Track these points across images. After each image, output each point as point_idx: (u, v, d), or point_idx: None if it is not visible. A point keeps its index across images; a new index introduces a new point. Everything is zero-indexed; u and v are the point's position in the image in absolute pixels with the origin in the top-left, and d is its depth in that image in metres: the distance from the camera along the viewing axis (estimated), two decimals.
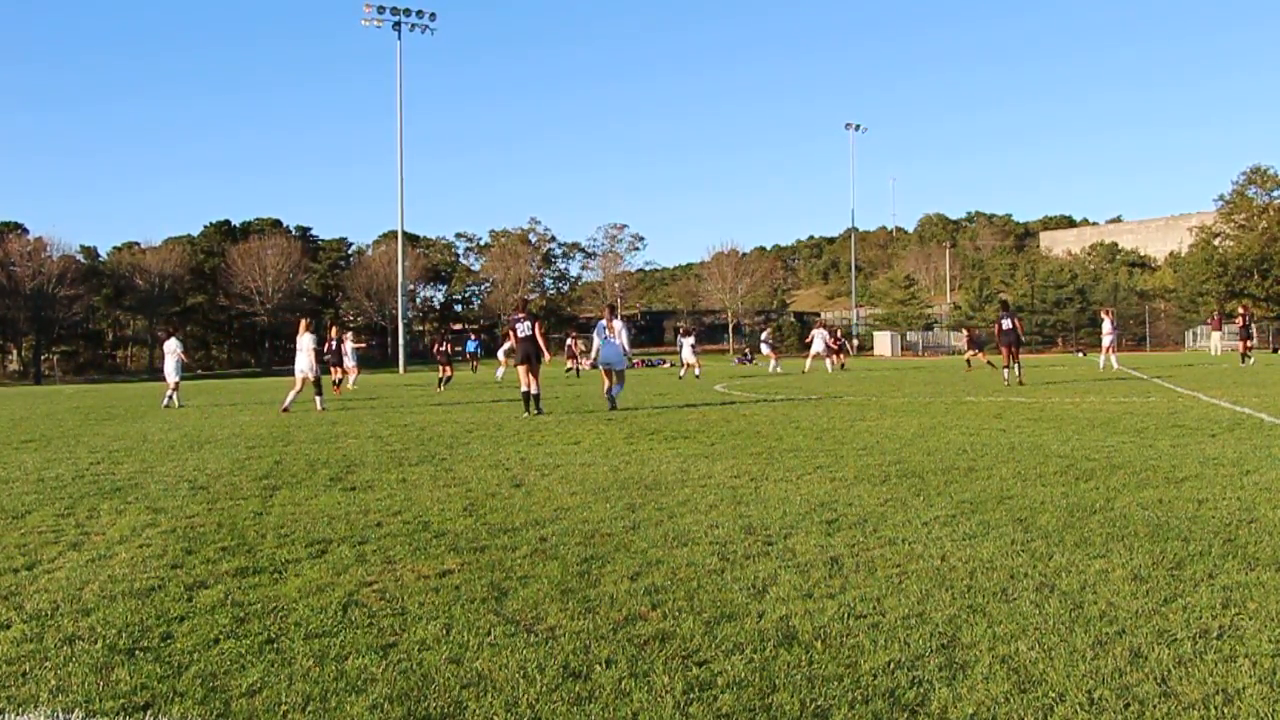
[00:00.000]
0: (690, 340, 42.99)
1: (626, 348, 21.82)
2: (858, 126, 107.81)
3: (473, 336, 67.88)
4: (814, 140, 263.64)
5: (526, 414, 20.20)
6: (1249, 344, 41.53)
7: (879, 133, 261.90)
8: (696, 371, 41.84)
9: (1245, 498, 8.52)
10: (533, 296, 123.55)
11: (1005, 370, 29.22)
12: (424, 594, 6.02)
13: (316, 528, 8.24)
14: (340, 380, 34.84)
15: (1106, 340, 38.36)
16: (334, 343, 35.37)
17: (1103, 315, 39.70)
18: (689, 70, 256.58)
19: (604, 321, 21.77)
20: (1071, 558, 6.50)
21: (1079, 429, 14.48)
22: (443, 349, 36.94)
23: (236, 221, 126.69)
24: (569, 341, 56.19)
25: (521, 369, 20.94)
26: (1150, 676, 4.41)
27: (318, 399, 24.68)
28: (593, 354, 22.48)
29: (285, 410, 23.70)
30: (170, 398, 28.61)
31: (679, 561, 6.68)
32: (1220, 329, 50.51)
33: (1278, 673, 4.42)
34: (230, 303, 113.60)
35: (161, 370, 31.74)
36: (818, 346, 45.04)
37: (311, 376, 24.53)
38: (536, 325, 21.02)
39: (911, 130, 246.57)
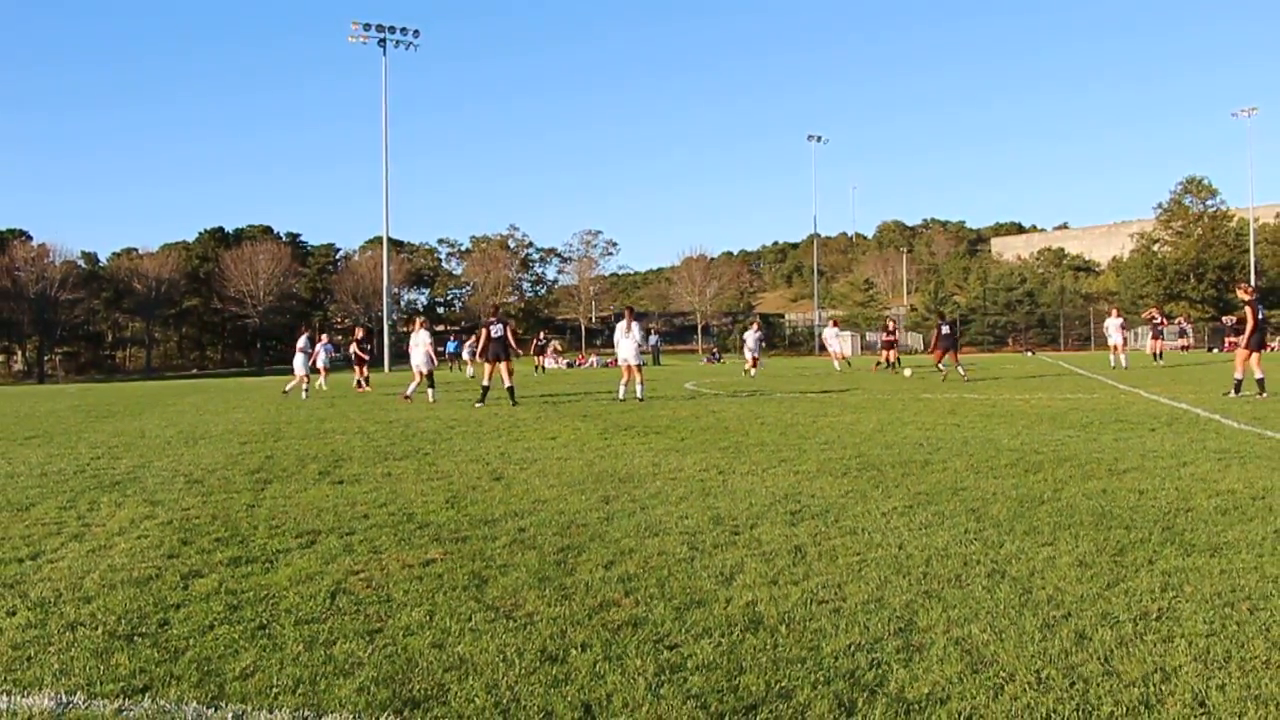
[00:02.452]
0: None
1: (641, 345, 23.01)
2: (819, 138, 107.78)
3: (453, 337, 67.60)
4: (778, 151, 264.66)
5: (480, 404, 21.73)
6: (1160, 344, 41.57)
7: (840, 143, 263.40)
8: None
9: (1182, 488, 8.59)
10: (511, 299, 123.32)
11: (943, 366, 30.83)
12: (408, 582, 6.01)
13: (306, 519, 8.21)
14: (361, 380, 34.21)
15: (1117, 338, 36.24)
16: (357, 346, 35.18)
17: (1112, 313, 37.95)
18: (661, 82, 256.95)
19: (623, 323, 23.07)
20: (1021, 545, 6.54)
21: (1028, 424, 14.56)
22: (366, 346, 35.76)
23: (230, 228, 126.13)
24: (540, 341, 56.15)
25: (488, 366, 22.47)
26: (1094, 656, 4.44)
27: (430, 391, 25.07)
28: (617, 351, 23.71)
29: (406, 398, 24.92)
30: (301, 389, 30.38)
31: (651, 551, 6.69)
32: (1154, 330, 50.55)
33: (1212, 652, 4.47)
34: (224, 306, 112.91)
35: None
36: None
37: (425, 370, 25.10)
38: (508, 327, 22.29)
39: (871, 141, 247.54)
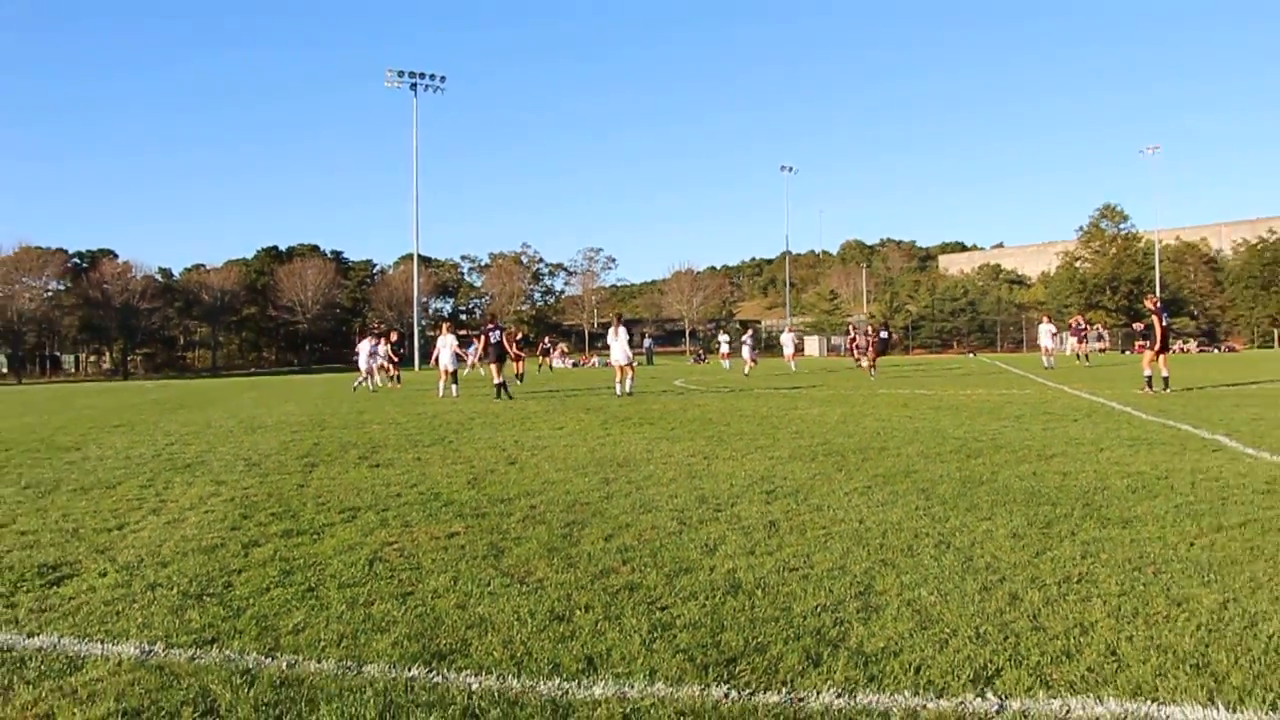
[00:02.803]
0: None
1: (626, 349, 22.74)
2: (790, 168, 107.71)
3: (474, 340, 67.47)
4: (756, 179, 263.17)
5: (499, 400, 21.94)
6: (1084, 346, 41.23)
7: (809, 173, 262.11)
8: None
9: (1100, 470, 8.60)
10: (523, 307, 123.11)
11: (873, 370, 31.61)
12: (435, 552, 6.01)
13: (347, 498, 8.20)
14: (395, 377, 33.94)
15: (1047, 342, 35.47)
16: (386, 345, 34.99)
17: (1044, 320, 37.46)
18: (657, 123, 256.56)
19: (613, 329, 23.14)
20: (964, 520, 6.54)
21: (970, 415, 14.56)
22: (399, 348, 35.11)
23: (283, 246, 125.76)
24: (546, 344, 56.09)
25: (494, 366, 23.37)
26: (1024, 614, 4.45)
27: (454, 388, 25.14)
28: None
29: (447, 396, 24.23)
30: (365, 383, 30.60)
31: (645, 525, 6.69)
32: (1077, 334, 50.52)
33: (1123, 609, 4.49)
34: (277, 313, 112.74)
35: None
36: (788, 349, 44.00)
37: (451, 369, 25.22)
38: (505, 334, 23.68)
39: (836, 170, 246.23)
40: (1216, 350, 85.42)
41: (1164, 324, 19.27)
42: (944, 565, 5.35)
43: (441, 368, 25.58)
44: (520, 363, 44.69)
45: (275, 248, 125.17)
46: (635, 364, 23.23)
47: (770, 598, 4.84)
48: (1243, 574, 5.05)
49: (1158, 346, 19.45)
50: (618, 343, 22.64)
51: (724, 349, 45.01)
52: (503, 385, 22.86)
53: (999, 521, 6.47)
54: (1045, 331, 36.02)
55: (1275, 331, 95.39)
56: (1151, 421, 12.98)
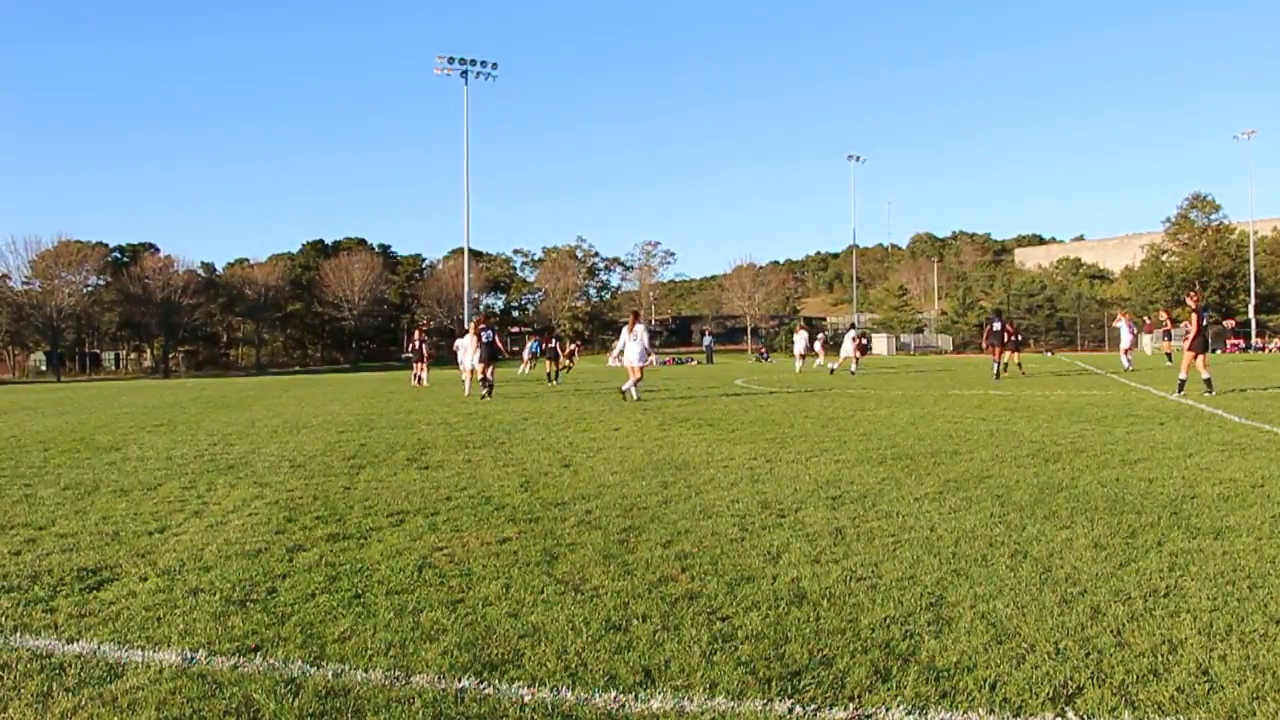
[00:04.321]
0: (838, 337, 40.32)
1: (646, 347, 22.11)
2: (858, 158, 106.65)
3: (532, 338, 67.97)
4: (821, 169, 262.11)
5: (486, 397, 22.90)
6: (1170, 345, 39.95)
7: (877, 163, 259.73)
8: (831, 365, 39.68)
9: (1188, 477, 8.44)
10: (579, 303, 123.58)
11: (996, 365, 29.30)
12: (486, 558, 6.05)
13: (396, 501, 8.29)
14: (419, 376, 34.80)
15: (1127, 340, 34.49)
16: (417, 343, 35.56)
17: (1122, 318, 36.74)
18: (717, 107, 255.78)
19: (629, 326, 22.40)
20: (1041, 528, 6.46)
21: (1048, 418, 14.36)
22: (419, 345, 35.41)
23: (329, 240, 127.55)
24: (571, 344, 56.42)
25: (481, 365, 23.75)
26: (1107, 629, 4.38)
27: (466, 384, 25.57)
28: (615, 352, 23.31)
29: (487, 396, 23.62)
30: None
31: (704, 531, 6.68)
32: (1151, 332, 49.30)
33: (1215, 625, 4.40)
34: (323, 310, 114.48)
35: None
36: (847, 349, 42.84)
37: (476, 367, 25.12)
38: (496, 334, 24.07)
39: (905, 160, 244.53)
40: None
41: (1202, 323, 18.93)
42: (1020, 576, 5.29)
43: (465, 368, 25.99)
44: (570, 360, 44.63)
45: (321, 242, 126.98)
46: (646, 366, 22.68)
47: (836, 608, 4.81)
48: None
49: (1195, 347, 19.07)
50: (635, 343, 21.88)
51: (799, 347, 43.59)
52: (490, 385, 23.54)
53: (1079, 530, 6.38)
54: (1124, 330, 35.30)
55: None
56: (1245, 425, 12.70)
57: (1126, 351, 34.39)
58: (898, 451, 10.78)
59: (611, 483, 9.03)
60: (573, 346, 55.77)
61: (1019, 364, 29.67)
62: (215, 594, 5.36)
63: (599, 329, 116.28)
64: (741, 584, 5.30)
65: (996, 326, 29.82)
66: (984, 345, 30.96)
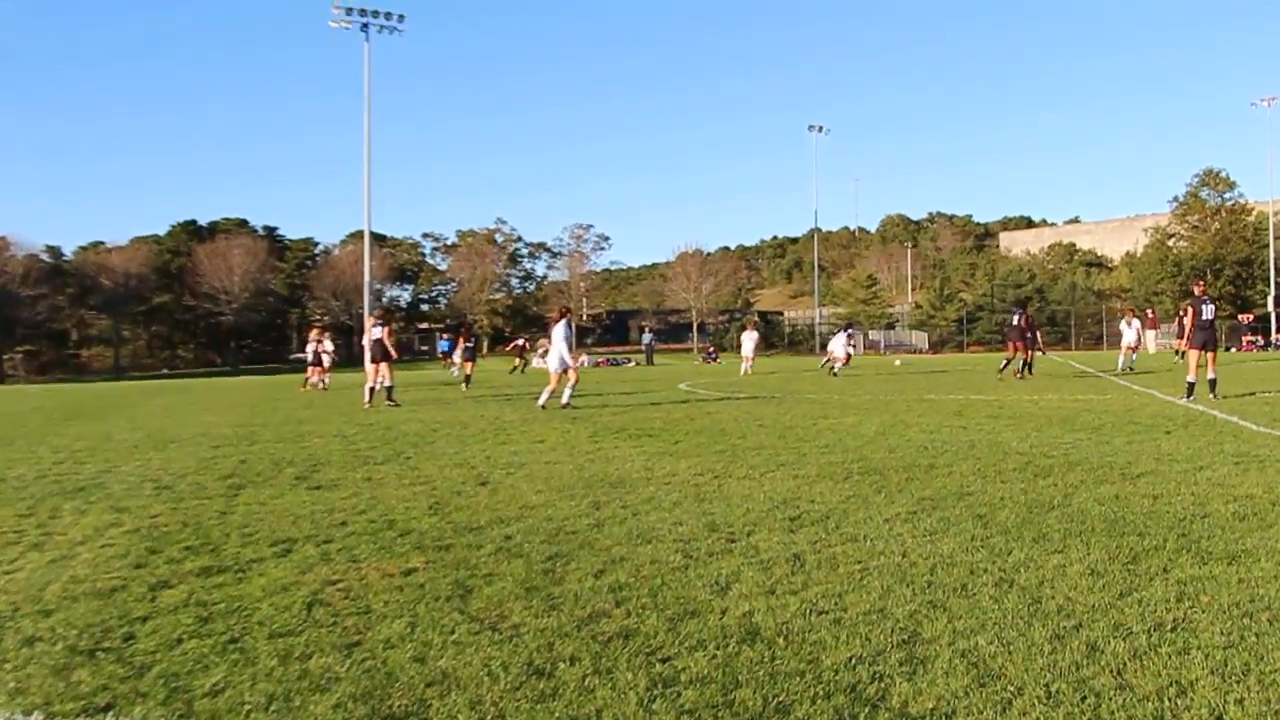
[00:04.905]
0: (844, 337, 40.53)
1: (561, 351, 21.19)
2: (820, 128, 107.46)
3: (444, 336, 67.82)
4: (778, 142, 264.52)
5: (368, 405, 23.18)
6: (1182, 343, 40.69)
7: (842, 134, 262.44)
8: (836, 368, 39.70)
9: (1198, 493, 8.59)
10: (498, 295, 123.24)
11: (1007, 362, 30.03)
12: (388, 592, 5.99)
13: (281, 527, 8.19)
14: (318, 380, 34.64)
15: (1130, 338, 35.53)
16: (314, 343, 35.34)
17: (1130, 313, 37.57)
18: (655, 70, 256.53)
19: (554, 322, 21.98)
20: (1030, 553, 6.53)
21: (1037, 426, 14.56)
22: (317, 347, 35.55)
23: (203, 221, 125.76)
24: (520, 341, 56.49)
25: (374, 367, 24.01)
26: (1106, 669, 4.43)
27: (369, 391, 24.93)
28: (541, 352, 23.16)
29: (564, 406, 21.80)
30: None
31: (643, 559, 6.68)
32: (1156, 327, 50.27)
33: (1229, 664, 4.46)
34: (197, 303, 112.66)
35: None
36: (838, 349, 42.53)
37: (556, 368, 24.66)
38: (386, 331, 24.16)
39: (875, 131, 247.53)
40: None
41: (1200, 316, 19.41)
42: (1006, 608, 5.34)
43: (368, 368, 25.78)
44: (521, 358, 44.65)
45: (194, 223, 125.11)
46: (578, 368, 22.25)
47: (794, 647, 4.82)
48: None
49: (1193, 343, 19.58)
50: (559, 343, 21.25)
51: (748, 348, 43.57)
52: (374, 390, 23.67)
53: (1073, 555, 6.46)
54: (1128, 327, 36.01)
55: None
56: (1264, 434, 12.99)
57: (1131, 349, 35.08)
58: (865, 465, 10.86)
59: (535, 503, 9.00)
60: (522, 341, 55.76)
61: (1028, 366, 30.12)
62: (57, 643, 5.23)
63: (521, 325, 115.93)
64: (685, 619, 5.29)
65: (1016, 320, 30.61)
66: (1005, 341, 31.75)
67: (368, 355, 25.45)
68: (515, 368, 52.15)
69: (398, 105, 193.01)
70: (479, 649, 4.92)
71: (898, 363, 31.70)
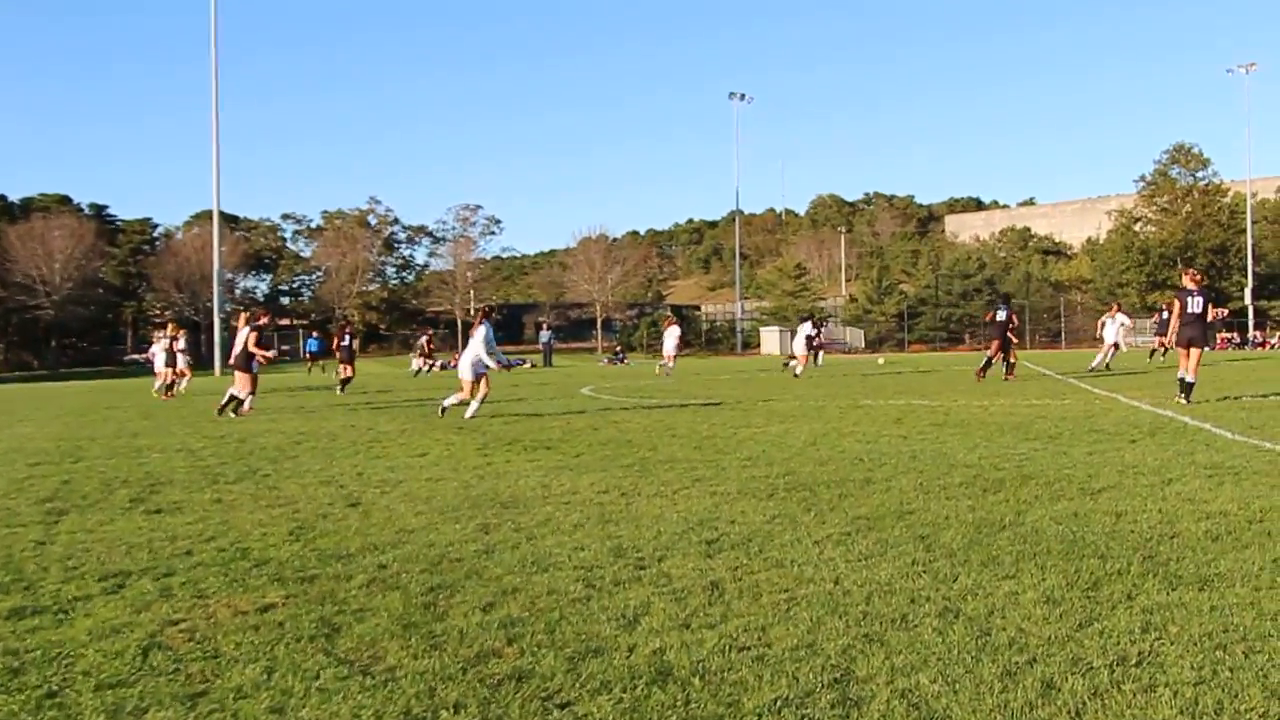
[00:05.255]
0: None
1: (479, 354, 20.93)
2: (743, 96, 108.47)
3: (314, 334, 67.28)
4: (695, 112, 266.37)
5: (241, 411, 23.45)
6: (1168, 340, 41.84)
7: (767, 105, 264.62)
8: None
9: (1167, 509, 8.78)
10: (373, 287, 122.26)
11: (987, 361, 30.72)
12: (241, 632, 5.92)
13: (112, 558, 8.05)
14: (173, 384, 33.99)
15: (1113, 336, 36.96)
16: (168, 340, 34.71)
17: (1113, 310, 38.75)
18: (554, 29, 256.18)
19: (475, 323, 21.64)
20: (978, 579, 6.62)
21: (987, 435, 14.79)
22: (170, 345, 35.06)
23: (15, 197, 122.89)
24: (421, 340, 56.19)
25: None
26: (1064, 710, 4.50)
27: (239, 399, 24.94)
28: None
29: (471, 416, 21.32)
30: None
31: (539, 589, 6.67)
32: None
33: (1201, 703, 4.54)
34: (8, 294, 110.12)
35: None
36: (800, 346, 43.03)
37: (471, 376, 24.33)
38: (250, 335, 24.32)
39: (804, 101, 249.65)
40: None
41: (1187, 310, 20.00)
42: (951, 641, 5.41)
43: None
44: (430, 358, 44.52)
45: (3, 199, 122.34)
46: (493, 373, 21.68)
47: (712, 688, 4.85)
48: None
49: (1179, 340, 20.19)
50: (478, 345, 20.96)
51: (669, 346, 43.91)
52: (235, 398, 23.78)
53: (1027, 581, 6.56)
54: (1114, 325, 36.96)
55: None
56: (1238, 442, 13.31)
57: (1114, 347, 35.99)
58: (793, 480, 10.96)
59: (415, 527, 8.96)
60: (425, 339, 55.30)
61: (1009, 364, 30.69)
62: None
63: (399, 320, 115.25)
64: (587, 658, 5.30)
65: (1001, 316, 31.24)
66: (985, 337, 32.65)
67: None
68: (420, 369, 51.93)
69: (253, 63, 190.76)
70: (348, 696, 4.88)
71: (880, 361, 32.27)
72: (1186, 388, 19.60)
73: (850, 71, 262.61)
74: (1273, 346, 78.35)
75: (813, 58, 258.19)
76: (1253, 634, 5.44)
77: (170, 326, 36.90)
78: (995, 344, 31.00)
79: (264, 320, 26.18)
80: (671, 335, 44.39)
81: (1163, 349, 39.26)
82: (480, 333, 20.91)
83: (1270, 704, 4.52)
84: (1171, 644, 5.29)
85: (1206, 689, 4.70)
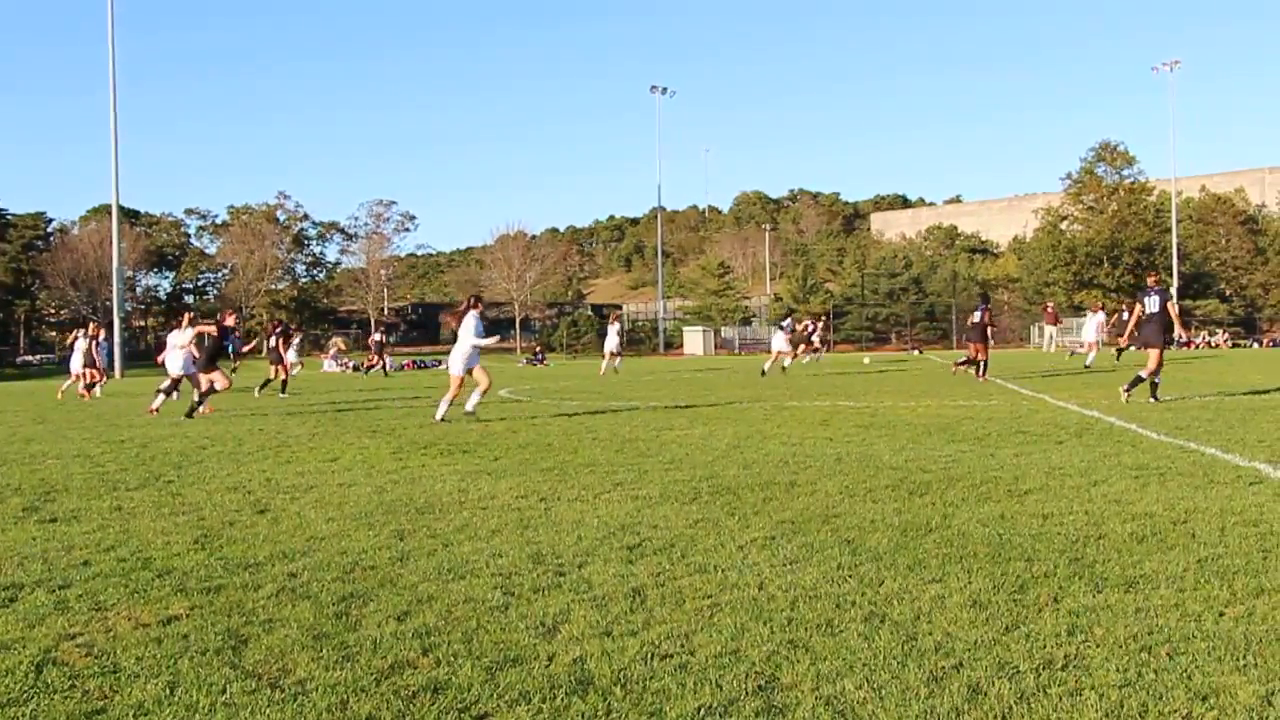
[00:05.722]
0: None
1: (468, 346, 20.43)
2: (664, 90, 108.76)
3: (236, 334, 66.44)
4: (616, 107, 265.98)
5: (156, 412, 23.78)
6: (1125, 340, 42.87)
7: (690, 100, 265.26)
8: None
9: (1093, 511, 8.92)
10: (282, 285, 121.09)
11: (963, 364, 31.55)
12: (143, 646, 5.84)
13: (4, 570, 7.91)
14: (94, 384, 33.65)
15: (1091, 335, 38.18)
16: (88, 340, 34.32)
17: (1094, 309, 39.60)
18: (467, 25, 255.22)
19: (464, 312, 21.01)
20: (904, 583, 6.68)
21: (913, 437, 14.93)
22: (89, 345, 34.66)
23: None
24: (376, 336, 55.76)
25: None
26: (990, 714, 4.55)
27: (161, 397, 24.94)
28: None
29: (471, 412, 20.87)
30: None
31: (455, 597, 6.65)
32: (1056, 323, 52.50)
33: (1125, 706, 4.61)
34: None
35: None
36: (779, 343, 43.25)
37: (186, 374, 25.02)
38: (198, 339, 24.38)
39: (727, 98, 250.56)
40: (1256, 344, 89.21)
41: (1146, 310, 20.39)
42: (877, 647, 5.45)
43: (172, 375, 25.60)
44: (379, 358, 44.56)
45: None
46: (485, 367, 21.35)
47: (633, 697, 4.86)
48: None
49: (1126, 340, 20.64)
50: (467, 339, 20.42)
51: (612, 343, 44.82)
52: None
53: (953, 585, 6.63)
54: (1094, 323, 37.63)
55: None
56: (1165, 443, 13.53)
57: (1092, 346, 36.61)
58: (716, 484, 10.99)
59: (326, 534, 8.89)
60: (377, 337, 54.76)
61: (981, 365, 30.87)
62: None
63: (311, 319, 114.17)
64: (505, 668, 5.29)
65: (977, 317, 31.80)
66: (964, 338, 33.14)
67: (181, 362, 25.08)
68: (372, 367, 51.61)
69: (152, 49, 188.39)
70: (256, 711, 4.84)
71: (866, 360, 32.59)
72: (1152, 387, 19.96)
73: (775, 66, 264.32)
74: (1197, 346, 79.66)
75: (737, 51, 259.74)
76: (1177, 635, 5.53)
77: (91, 326, 36.50)
78: (975, 345, 31.54)
79: (230, 320, 25.85)
80: (613, 332, 45.04)
81: (1119, 350, 40.18)
82: (469, 323, 20.50)
83: (1194, 706, 4.60)
84: (1097, 647, 5.37)
85: (1131, 691, 4.77)
